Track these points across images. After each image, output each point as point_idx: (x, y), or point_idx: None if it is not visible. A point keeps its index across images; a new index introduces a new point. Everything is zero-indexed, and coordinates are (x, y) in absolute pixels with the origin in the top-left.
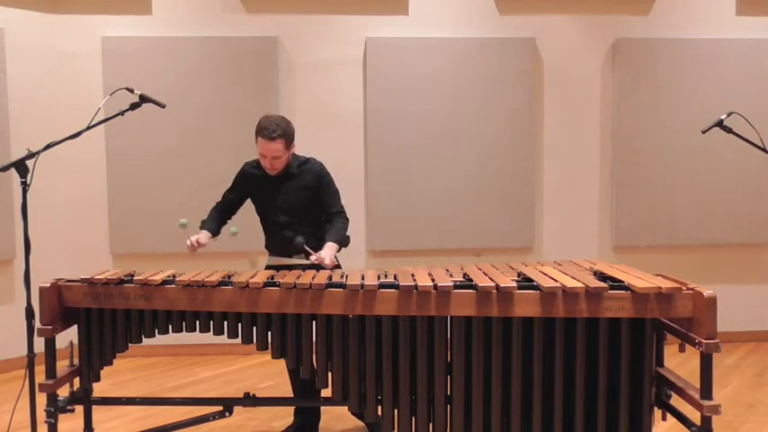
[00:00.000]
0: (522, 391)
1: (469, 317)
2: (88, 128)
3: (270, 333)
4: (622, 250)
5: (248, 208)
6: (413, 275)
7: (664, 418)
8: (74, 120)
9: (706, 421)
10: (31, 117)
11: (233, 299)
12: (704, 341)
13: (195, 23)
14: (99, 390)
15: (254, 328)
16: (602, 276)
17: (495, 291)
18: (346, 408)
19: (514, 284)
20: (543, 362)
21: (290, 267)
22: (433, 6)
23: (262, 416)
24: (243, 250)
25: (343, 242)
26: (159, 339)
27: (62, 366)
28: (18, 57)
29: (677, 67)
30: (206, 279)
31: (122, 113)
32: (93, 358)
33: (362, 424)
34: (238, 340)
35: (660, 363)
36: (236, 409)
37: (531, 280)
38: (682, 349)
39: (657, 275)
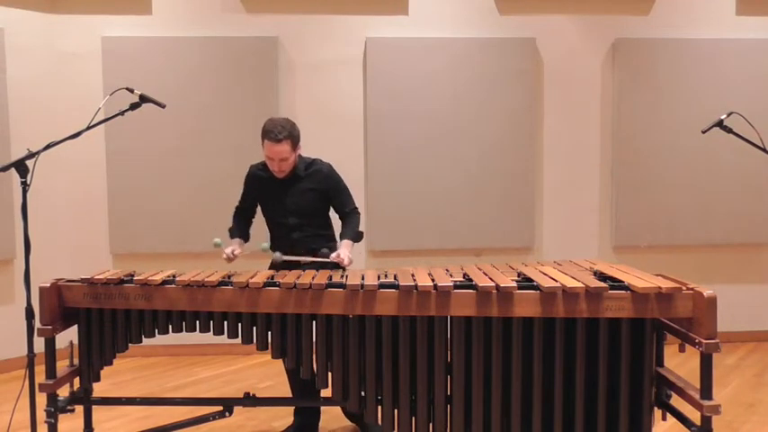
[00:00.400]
0: (522, 391)
1: (469, 317)
2: (88, 128)
3: (270, 333)
4: (622, 250)
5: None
6: (413, 275)
7: (664, 418)
8: (74, 120)
9: (706, 421)
10: (31, 117)
11: (233, 299)
12: (704, 341)
13: (195, 23)
14: (99, 390)
15: (254, 328)
16: (602, 276)
17: (495, 291)
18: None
19: (514, 284)
20: (543, 362)
21: (302, 266)
22: (433, 6)
23: (262, 416)
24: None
25: (358, 238)
26: (159, 339)
27: (62, 366)
28: (18, 57)
29: (677, 67)
30: (206, 279)
31: (122, 113)
32: (93, 358)
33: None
34: (238, 340)
35: (660, 363)
36: (236, 409)
37: (531, 280)
38: (682, 349)
39: (657, 275)
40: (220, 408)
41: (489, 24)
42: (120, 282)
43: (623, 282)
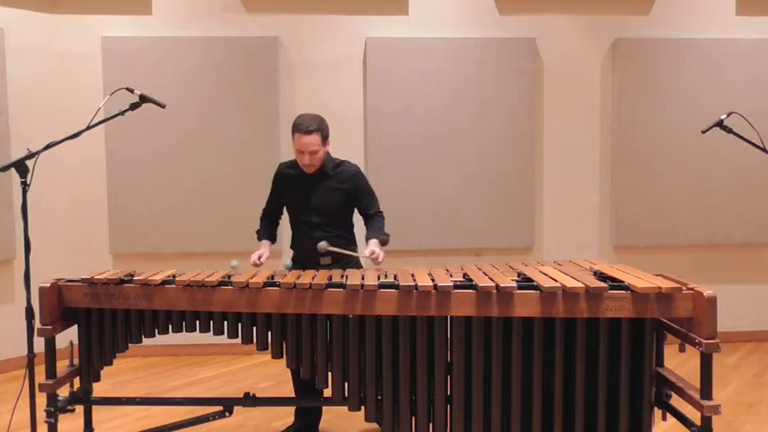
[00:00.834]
0: (522, 391)
1: (469, 317)
2: (88, 128)
3: (270, 333)
4: (622, 250)
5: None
6: (413, 275)
7: (664, 418)
8: (74, 120)
9: (706, 421)
10: (31, 117)
11: (233, 299)
12: (704, 341)
13: (195, 23)
14: (99, 390)
15: (254, 328)
16: (602, 276)
17: (495, 291)
18: (346, 408)
19: (514, 284)
20: (543, 362)
21: (308, 265)
22: (433, 6)
23: (262, 416)
24: (243, 250)
25: (386, 241)
26: (159, 339)
27: (62, 366)
28: (18, 57)
29: (677, 67)
30: (206, 279)
31: (122, 113)
32: (93, 358)
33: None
34: (238, 340)
35: (660, 363)
36: (236, 409)
37: (531, 280)
38: (682, 349)
39: (657, 275)
40: (220, 408)
41: (489, 24)
42: (120, 282)
43: (623, 282)
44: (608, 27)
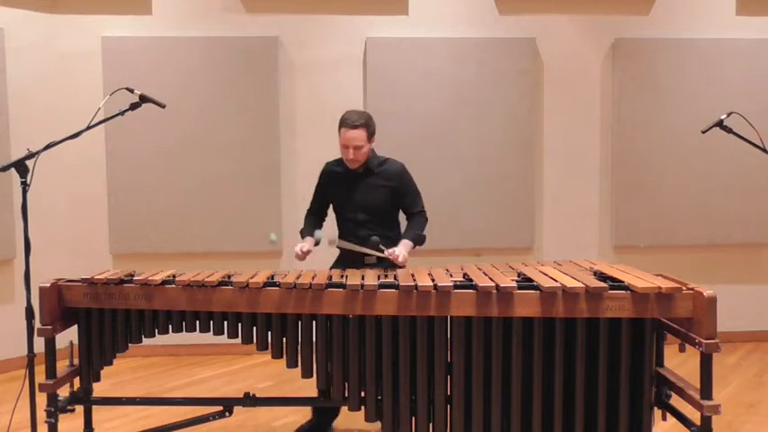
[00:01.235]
0: (522, 391)
1: (469, 317)
2: (88, 128)
3: (270, 333)
4: (622, 250)
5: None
6: (413, 275)
7: (664, 418)
8: (74, 120)
9: (706, 421)
10: (31, 117)
11: (233, 299)
12: (704, 341)
13: (195, 23)
14: (99, 390)
15: (254, 328)
16: (602, 276)
17: (495, 291)
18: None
19: (514, 284)
20: (543, 362)
21: (353, 264)
22: (433, 6)
23: (262, 416)
24: (243, 250)
25: (420, 241)
26: (159, 339)
27: (62, 366)
28: (18, 57)
29: (677, 67)
30: (206, 279)
31: (122, 113)
32: (93, 358)
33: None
34: (238, 340)
35: (660, 363)
36: (236, 409)
37: (531, 280)
38: (682, 349)
39: (657, 275)
40: (220, 408)
41: (489, 24)
42: (120, 282)
43: (623, 282)
44: (608, 27)
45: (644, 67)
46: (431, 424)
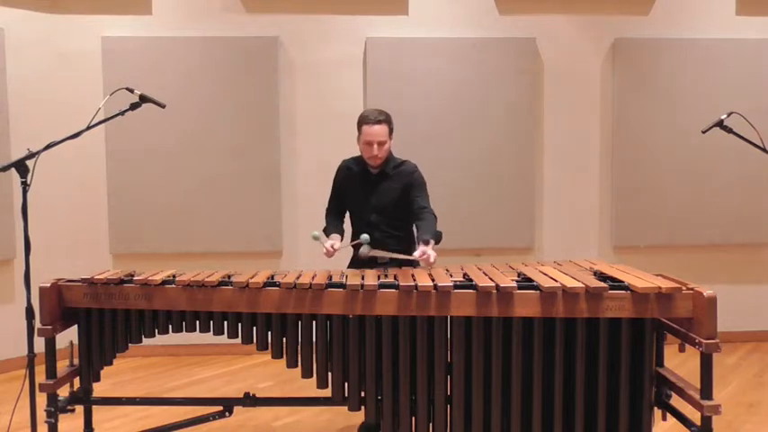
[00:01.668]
0: (522, 391)
1: (469, 317)
2: (88, 128)
3: (270, 333)
4: (622, 250)
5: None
6: (413, 275)
7: (664, 418)
8: (74, 120)
9: (706, 421)
10: (31, 117)
11: (233, 299)
12: (704, 341)
13: (195, 23)
14: (99, 390)
15: (254, 328)
16: (602, 276)
17: (495, 291)
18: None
19: (514, 284)
20: (543, 362)
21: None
22: (433, 6)
23: (262, 416)
24: (243, 251)
25: (438, 239)
26: (159, 339)
27: (62, 366)
28: (18, 57)
29: (677, 67)
30: (206, 279)
31: (122, 113)
32: (93, 358)
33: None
34: (238, 340)
35: (660, 363)
36: (236, 409)
37: (531, 280)
38: (682, 349)
39: (657, 275)
40: (220, 408)
41: (489, 24)
42: (120, 282)
43: (623, 282)
44: (608, 27)
45: (644, 67)
46: (431, 424)
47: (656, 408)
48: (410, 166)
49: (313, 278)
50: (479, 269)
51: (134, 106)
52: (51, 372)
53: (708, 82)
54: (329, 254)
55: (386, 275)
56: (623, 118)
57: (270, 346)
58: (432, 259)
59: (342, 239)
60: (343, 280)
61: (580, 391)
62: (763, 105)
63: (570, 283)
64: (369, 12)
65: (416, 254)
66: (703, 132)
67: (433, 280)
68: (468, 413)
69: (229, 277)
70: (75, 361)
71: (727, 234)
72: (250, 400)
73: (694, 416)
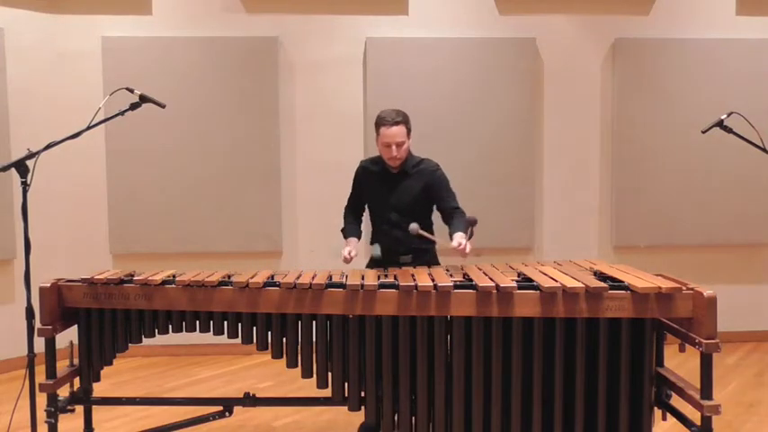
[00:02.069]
0: (522, 391)
1: (469, 317)
2: (88, 128)
3: (270, 333)
4: (622, 250)
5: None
6: (413, 275)
7: (664, 418)
8: (74, 120)
9: (706, 421)
10: (31, 117)
11: (233, 299)
12: (704, 341)
13: (195, 23)
14: (99, 390)
15: (254, 328)
16: (602, 276)
17: (495, 291)
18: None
19: (514, 284)
20: (543, 362)
21: (389, 264)
22: (433, 6)
23: (262, 416)
24: (243, 251)
25: (474, 223)
26: (159, 339)
27: (62, 366)
28: (18, 56)
29: (677, 67)
30: (206, 279)
31: (122, 113)
32: (93, 358)
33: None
34: (238, 340)
35: (660, 363)
36: (236, 409)
37: (531, 280)
38: (682, 349)
39: (657, 275)
40: (220, 408)
41: (489, 24)
42: (120, 282)
43: (623, 282)
44: (608, 27)
45: (644, 67)
46: (431, 424)
47: (656, 408)
48: (431, 164)
49: (313, 278)
50: (479, 269)
51: (134, 106)
52: (51, 372)
53: (708, 82)
54: (347, 261)
55: (386, 275)
56: (623, 118)
57: (270, 346)
58: (468, 250)
59: (358, 242)
60: (344, 280)
61: (580, 390)
62: (763, 105)
63: (570, 283)
64: (369, 12)
65: (454, 244)
66: (703, 132)
67: (432, 280)
68: (468, 413)
69: (229, 277)
70: (76, 361)
71: (727, 234)
72: (250, 400)
73: (694, 416)
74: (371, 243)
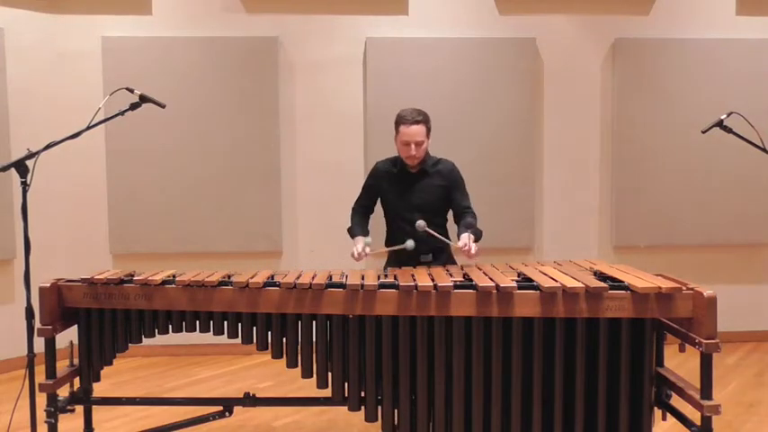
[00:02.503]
0: (522, 391)
1: (469, 317)
2: (88, 128)
3: (270, 333)
4: (622, 250)
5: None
6: (413, 275)
7: (664, 418)
8: (74, 120)
9: (706, 421)
10: (31, 117)
11: (233, 299)
12: (704, 341)
13: (195, 23)
14: (99, 390)
15: (254, 328)
16: (602, 276)
17: (495, 291)
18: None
19: (514, 284)
20: (543, 362)
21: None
22: (433, 6)
23: (262, 416)
24: (242, 251)
25: (479, 237)
26: (159, 339)
27: (62, 366)
28: (18, 56)
29: (677, 67)
30: (206, 279)
31: (122, 113)
32: (93, 358)
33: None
34: (238, 340)
35: (660, 363)
36: (236, 409)
37: (531, 280)
38: (682, 349)
39: (657, 275)
40: (220, 408)
41: (489, 24)
42: (120, 282)
43: (623, 282)
44: (608, 27)
45: (644, 67)
46: (431, 424)
47: (656, 408)
48: (448, 163)
49: (313, 278)
50: (479, 269)
51: (134, 106)
52: (51, 372)
53: (708, 82)
54: (358, 260)
55: (386, 275)
56: (623, 118)
57: (270, 346)
58: (473, 251)
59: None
60: (344, 280)
61: (580, 390)
62: (763, 105)
63: (570, 283)
64: (369, 12)
65: (459, 243)
66: (703, 132)
67: (433, 280)
68: (468, 413)
69: (229, 277)
70: (75, 361)
71: (727, 234)
72: (250, 400)
73: (694, 416)
74: (386, 245)
